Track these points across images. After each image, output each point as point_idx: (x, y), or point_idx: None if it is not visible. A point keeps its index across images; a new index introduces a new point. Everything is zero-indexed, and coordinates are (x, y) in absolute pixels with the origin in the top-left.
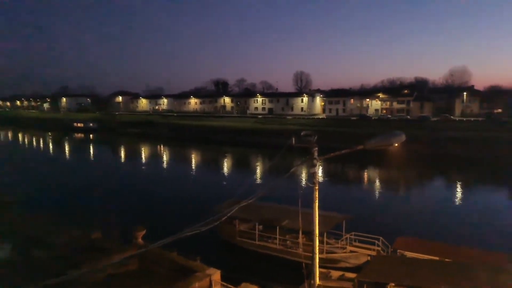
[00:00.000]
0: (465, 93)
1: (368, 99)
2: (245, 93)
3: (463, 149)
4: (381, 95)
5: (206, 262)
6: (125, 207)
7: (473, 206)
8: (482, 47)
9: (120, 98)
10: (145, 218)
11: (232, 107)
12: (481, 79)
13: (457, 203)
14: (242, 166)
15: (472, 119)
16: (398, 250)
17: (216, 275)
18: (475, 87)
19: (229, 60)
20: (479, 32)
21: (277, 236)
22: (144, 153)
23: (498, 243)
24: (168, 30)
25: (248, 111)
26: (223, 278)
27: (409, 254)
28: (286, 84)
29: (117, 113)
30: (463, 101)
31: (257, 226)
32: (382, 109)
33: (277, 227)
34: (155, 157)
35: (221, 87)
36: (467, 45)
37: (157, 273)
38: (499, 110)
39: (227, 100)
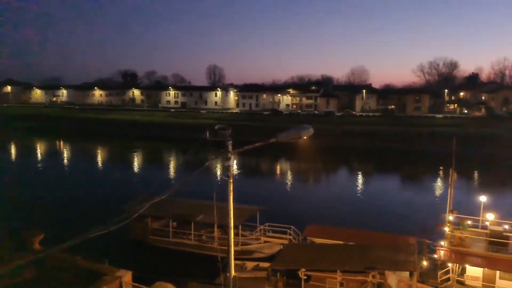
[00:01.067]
0: (364, 90)
1: (279, 95)
2: (156, 86)
3: (364, 142)
4: (291, 91)
5: (116, 264)
6: (19, 211)
7: (372, 192)
8: (379, 49)
9: (9, 88)
10: (43, 221)
11: (142, 100)
12: (378, 78)
13: (359, 190)
14: (154, 161)
15: (370, 114)
16: (308, 238)
17: (126, 276)
18: (373, 85)
19: (137, 51)
20: (376, 33)
21: (192, 232)
22: (39, 150)
23: (395, 224)
24: (66, 18)
25: (159, 105)
26: (135, 279)
27: (318, 240)
28: (199, 78)
29: (5, 105)
30: (362, 98)
31: (171, 223)
32: (292, 104)
33: (192, 223)
34: (53, 154)
35: (130, 79)
36: (366, 46)
37: (59, 280)
38: (393, 107)
39: (136, 92)
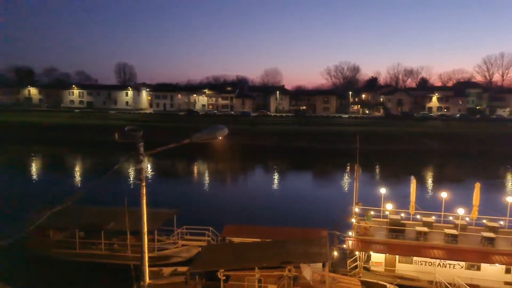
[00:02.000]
0: (277, 91)
1: (195, 95)
2: (57, 84)
3: (279, 141)
4: (207, 91)
5: (10, 283)
6: None
7: (287, 189)
8: (291, 51)
9: None
10: None
11: (40, 100)
12: (290, 79)
13: (276, 188)
14: (55, 167)
15: (284, 114)
16: (227, 238)
17: None
18: (286, 87)
19: (33, 45)
20: (288, 36)
21: (102, 241)
22: None
23: (308, 219)
24: None
25: (62, 105)
26: None
27: (237, 239)
28: (107, 77)
29: None
30: (276, 98)
31: (77, 233)
32: (208, 104)
33: (102, 231)
34: None
35: (24, 76)
36: (278, 48)
37: None
38: (304, 107)
39: (33, 91)
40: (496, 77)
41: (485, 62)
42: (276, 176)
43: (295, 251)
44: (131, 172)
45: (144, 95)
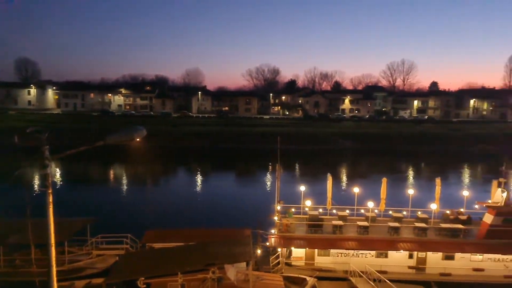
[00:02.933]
0: (199, 92)
1: (110, 94)
2: None
3: (202, 142)
4: (123, 90)
5: None
6: None
7: (211, 191)
8: (213, 52)
9: None
10: None
11: None
12: (212, 80)
13: (199, 190)
14: None
15: (206, 115)
16: (147, 244)
17: None
18: (208, 88)
19: None
20: (210, 37)
21: (1, 257)
22: None
23: (233, 219)
24: None
25: None
26: None
27: (158, 245)
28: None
29: None
30: (198, 99)
31: None
32: (125, 104)
33: (1, 246)
34: None
35: None
36: (201, 49)
37: None
38: (227, 108)
39: None
40: (399, 82)
41: (388, 68)
42: (199, 178)
43: (218, 252)
44: (36, 179)
45: (50, 93)
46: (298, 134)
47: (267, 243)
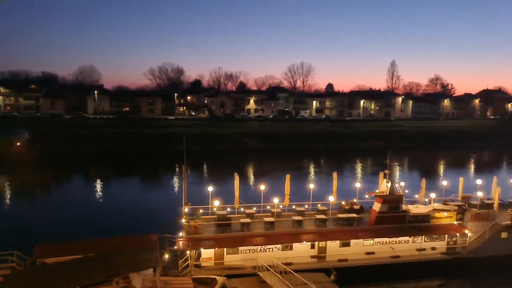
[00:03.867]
0: (96, 91)
1: None
2: None
3: (101, 146)
4: (2, 89)
5: None
6: None
7: (113, 197)
8: (109, 49)
9: None
10: None
11: None
12: (110, 79)
13: (100, 197)
14: None
15: (104, 116)
16: (38, 260)
17: None
18: (105, 87)
19: None
20: (105, 33)
21: None
22: None
23: (138, 225)
24: None
25: None
26: None
27: (51, 260)
28: None
29: None
30: (95, 99)
31: None
32: (5, 105)
33: None
34: None
35: None
36: (95, 45)
37: None
38: (127, 109)
39: None
40: (299, 83)
41: (289, 70)
42: (99, 185)
43: (122, 261)
44: None
45: None
46: (204, 134)
47: (175, 247)
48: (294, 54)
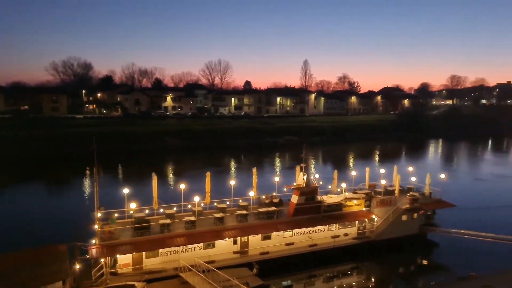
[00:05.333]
0: None
1: None
2: None
3: None
4: None
5: None
6: None
7: (12, 207)
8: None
9: None
10: None
11: None
12: (3, 74)
13: None
14: None
15: None
16: None
17: None
18: None
19: None
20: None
21: None
22: None
23: (44, 235)
24: None
25: None
26: None
27: None
28: None
29: None
30: None
31: None
32: None
33: None
34: None
35: None
36: None
37: None
38: (26, 107)
39: None
40: (217, 80)
41: (207, 67)
42: None
43: (23, 277)
44: None
45: None
46: (118, 133)
47: (88, 255)
48: (212, 51)
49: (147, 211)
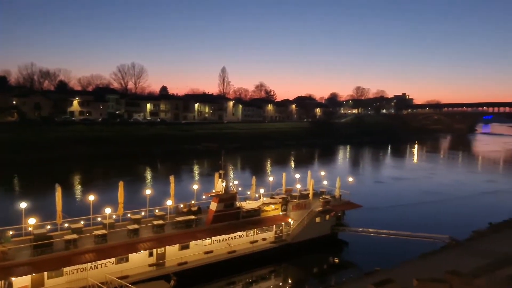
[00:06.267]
0: None
1: None
2: None
3: None
4: None
5: None
6: None
7: None
8: None
9: None
10: None
11: None
12: None
13: None
14: None
15: None
16: None
17: None
18: None
19: None
20: None
21: None
22: None
23: None
24: None
25: None
26: None
27: None
28: None
29: None
30: None
31: None
32: None
33: None
34: None
35: None
36: None
37: None
38: None
39: None
40: (131, 85)
41: (119, 71)
42: None
43: None
44: None
45: None
46: (13, 141)
47: None
48: (125, 54)
49: (49, 227)
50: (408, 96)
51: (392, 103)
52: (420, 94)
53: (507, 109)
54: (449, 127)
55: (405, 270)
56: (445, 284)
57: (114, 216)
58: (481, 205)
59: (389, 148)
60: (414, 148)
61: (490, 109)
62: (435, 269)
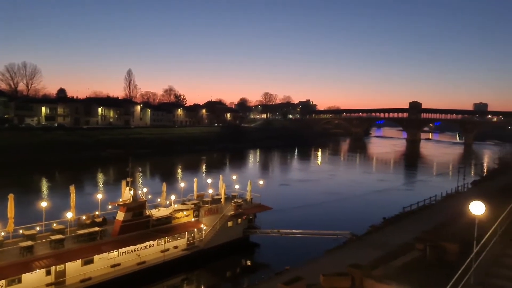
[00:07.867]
0: None
1: None
2: None
3: None
4: None
5: None
6: None
7: None
8: None
9: None
10: None
11: None
12: None
13: None
14: None
15: None
16: None
17: None
18: None
19: None
20: None
21: None
22: None
23: None
24: None
25: None
26: None
27: None
28: None
29: None
30: None
31: None
32: None
33: None
34: None
35: None
36: None
37: None
38: None
39: None
40: (22, 86)
41: (8, 70)
42: None
43: None
44: None
45: None
46: None
47: None
48: (14, 52)
49: None
50: (312, 102)
51: (298, 109)
52: (323, 100)
53: (395, 114)
54: (348, 131)
55: (313, 267)
56: (348, 276)
57: (2, 233)
58: (375, 202)
59: (296, 152)
60: (318, 151)
61: (382, 115)
62: (339, 263)
